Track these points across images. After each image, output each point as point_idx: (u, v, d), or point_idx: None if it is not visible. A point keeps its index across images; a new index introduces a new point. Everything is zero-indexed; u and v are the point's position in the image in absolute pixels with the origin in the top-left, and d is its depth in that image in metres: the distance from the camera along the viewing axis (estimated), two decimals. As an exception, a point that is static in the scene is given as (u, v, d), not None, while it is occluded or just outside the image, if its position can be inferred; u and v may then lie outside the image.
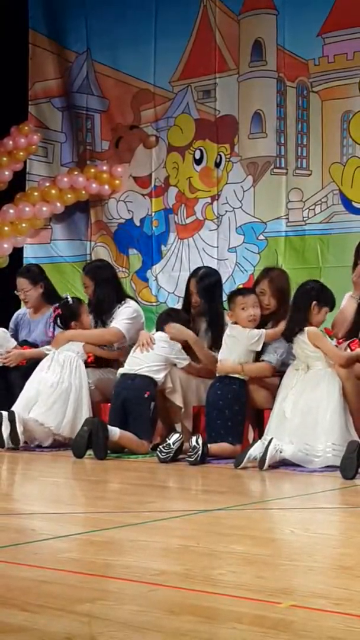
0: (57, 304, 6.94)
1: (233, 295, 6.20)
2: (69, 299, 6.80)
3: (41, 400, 6.43)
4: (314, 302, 5.77)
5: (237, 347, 6.04)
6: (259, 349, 6.04)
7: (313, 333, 5.71)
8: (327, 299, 5.85)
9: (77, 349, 6.64)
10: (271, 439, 5.40)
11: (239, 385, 6.02)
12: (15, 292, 7.47)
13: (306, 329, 5.70)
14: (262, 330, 6.05)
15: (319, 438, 5.44)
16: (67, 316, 6.75)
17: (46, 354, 6.71)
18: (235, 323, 6.11)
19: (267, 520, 4.03)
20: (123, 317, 6.75)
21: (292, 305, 5.92)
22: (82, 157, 9.62)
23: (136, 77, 9.26)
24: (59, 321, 6.80)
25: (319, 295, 5.81)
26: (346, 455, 5.04)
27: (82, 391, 6.51)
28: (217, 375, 6.09)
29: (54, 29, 9.69)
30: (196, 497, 4.89)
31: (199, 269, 6.85)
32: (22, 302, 7.57)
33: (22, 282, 7.43)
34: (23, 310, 7.57)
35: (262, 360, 6.08)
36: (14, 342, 7.12)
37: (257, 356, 6.11)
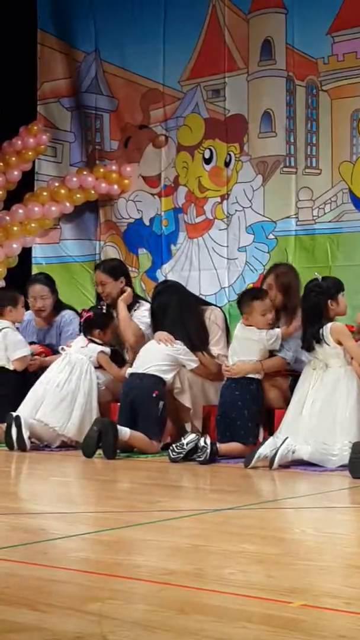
0: (86, 308, 6.98)
1: (249, 299, 6.08)
2: (104, 308, 6.83)
3: (47, 400, 6.46)
4: (329, 301, 5.73)
5: (255, 347, 6.01)
6: (277, 347, 6.04)
7: (338, 328, 5.66)
8: (335, 288, 5.80)
9: (89, 353, 6.64)
10: (286, 438, 5.39)
11: (257, 385, 6.01)
12: (30, 298, 7.42)
13: (330, 324, 5.67)
14: (278, 330, 6.04)
15: (336, 437, 5.42)
16: (95, 323, 6.76)
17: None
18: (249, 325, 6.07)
19: (277, 519, 4.02)
20: (144, 322, 6.75)
21: (304, 316, 5.85)
22: (91, 157, 9.61)
23: (145, 77, 9.24)
24: (83, 325, 6.82)
25: (326, 293, 5.76)
26: (353, 456, 5.03)
27: (92, 395, 6.52)
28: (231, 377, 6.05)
29: (62, 29, 9.69)
30: (206, 497, 4.89)
31: (154, 295, 6.79)
32: (31, 308, 7.51)
33: (41, 290, 7.41)
34: (27, 315, 7.54)
35: (276, 356, 6.09)
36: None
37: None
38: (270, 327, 6.06)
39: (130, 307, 6.90)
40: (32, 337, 7.44)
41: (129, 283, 7.10)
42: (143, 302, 7.03)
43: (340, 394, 5.56)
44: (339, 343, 5.63)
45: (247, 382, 5.99)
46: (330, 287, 5.79)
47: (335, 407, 5.53)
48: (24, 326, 7.50)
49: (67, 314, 7.45)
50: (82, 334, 6.83)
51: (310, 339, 5.70)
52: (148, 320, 6.69)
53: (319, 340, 5.65)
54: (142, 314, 6.82)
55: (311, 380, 5.68)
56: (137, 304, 6.93)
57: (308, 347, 5.73)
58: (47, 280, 7.58)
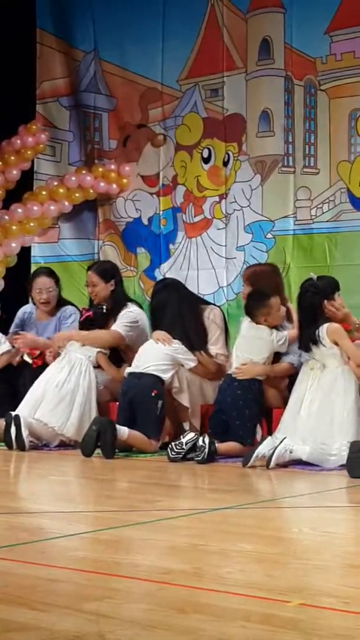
0: (86, 307, 6.97)
1: (266, 299, 6.04)
2: (104, 308, 6.83)
3: (46, 399, 6.46)
4: (324, 301, 5.72)
5: (263, 347, 6.00)
6: (285, 349, 6.03)
7: (333, 329, 5.64)
8: (331, 288, 5.79)
9: (89, 353, 6.65)
10: (284, 438, 5.39)
11: (259, 385, 6.00)
12: (36, 290, 7.43)
13: (326, 324, 5.65)
14: (287, 333, 6.03)
15: (335, 437, 5.42)
16: (95, 323, 6.76)
17: (58, 353, 6.75)
18: (258, 323, 6.04)
19: (275, 518, 4.02)
20: (124, 320, 6.78)
21: (301, 318, 5.83)
22: (90, 156, 9.61)
23: (144, 76, 9.24)
24: (83, 325, 6.81)
25: (322, 292, 5.74)
26: (351, 455, 5.03)
27: (91, 395, 6.52)
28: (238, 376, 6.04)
29: (61, 28, 9.69)
30: (204, 496, 4.89)
31: (153, 293, 6.82)
32: (33, 300, 7.52)
33: (47, 282, 7.44)
34: (29, 308, 7.56)
35: (283, 361, 6.08)
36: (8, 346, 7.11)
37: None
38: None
39: (119, 309, 6.87)
40: (33, 330, 7.45)
41: (119, 286, 7.09)
42: (131, 304, 7.01)
43: (338, 394, 5.56)
44: (335, 343, 5.62)
45: (250, 382, 5.98)
46: (326, 287, 5.77)
47: (333, 408, 5.53)
48: (25, 318, 7.52)
49: (68, 308, 7.46)
50: None
51: (307, 340, 5.69)
52: (129, 327, 6.72)
53: (316, 341, 5.64)
54: (126, 316, 6.81)
55: (308, 381, 5.68)
56: (124, 307, 6.92)
57: (305, 347, 5.73)
58: (52, 273, 7.61)
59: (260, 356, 6.00)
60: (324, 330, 5.63)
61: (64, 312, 7.43)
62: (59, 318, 7.42)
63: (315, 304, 5.71)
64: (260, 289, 6.21)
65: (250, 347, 6.03)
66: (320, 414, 5.53)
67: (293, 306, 6.17)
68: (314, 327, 5.66)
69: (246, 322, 6.12)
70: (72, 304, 7.56)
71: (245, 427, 5.90)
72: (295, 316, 6.11)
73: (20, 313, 7.55)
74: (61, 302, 7.53)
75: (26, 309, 7.56)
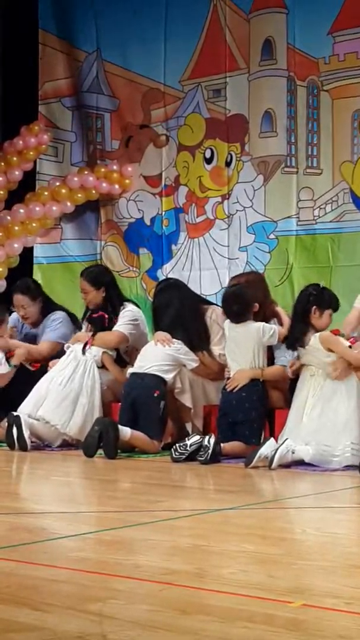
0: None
1: (244, 295, 6.09)
2: (104, 316, 6.88)
3: (49, 398, 6.46)
4: (314, 307, 5.73)
5: (249, 343, 5.98)
6: (275, 342, 6.01)
7: (325, 337, 5.66)
8: (328, 302, 5.79)
9: (94, 353, 6.65)
10: (285, 439, 5.40)
11: (261, 385, 6.00)
12: (12, 307, 7.41)
13: (317, 334, 5.66)
14: (275, 326, 6.03)
15: (338, 438, 5.42)
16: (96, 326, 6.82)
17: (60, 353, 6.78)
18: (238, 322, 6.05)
19: (278, 519, 4.02)
20: (124, 320, 6.78)
21: (293, 314, 5.87)
22: (92, 157, 9.61)
23: (146, 77, 9.25)
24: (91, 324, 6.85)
25: (318, 299, 5.75)
26: None
27: (95, 395, 6.52)
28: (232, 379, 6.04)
29: (64, 29, 9.69)
30: (207, 496, 4.89)
31: (156, 292, 6.83)
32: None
33: (21, 299, 7.34)
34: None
35: (276, 364, 6.08)
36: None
37: (270, 358, 6.10)
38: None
39: (116, 312, 6.87)
40: (21, 336, 7.41)
41: (112, 289, 7.06)
42: (127, 303, 7.01)
43: (340, 399, 5.56)
44: (330, 350, 5.63)
45: (252, 384, 5.98)
46: (328, 299, 5.79)
47: (336, 411, 5.53)
48: (20, 325, 7.50)
49: (54, 314, 7.36)
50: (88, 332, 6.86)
51: (295, 337, 5.72)
52: (131, 326, 6.72)
53: (302, 345, 5.67)
54: (126, 315, 6.82)
55: (310, 388, 5.67)
56: (122, 307, 6.92)
57: (292, 345, 5.76)
58: (28, 288, 7.45)
59: (248, 354, 5.99)
60: (316, 339, 5.64)
61: (48, 319, 7.33)
62: (44, 326, 7.35)
63: (309, 308, 5.73)
64: (235, 290, 6.21)
65: (239, 349, 6.03)
66: (323, 418, 5.53)
67: (284, 309, 6.20)
68: (300, 331, 5.69)
69: (227, 323, 6.12)
70: (63, 309, 7.47)
71: (252, 427, 5.90)
72: (285, 318, 6.11)
73: (13, 318, 7.49)
74: (51, 308, 7.43)
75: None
